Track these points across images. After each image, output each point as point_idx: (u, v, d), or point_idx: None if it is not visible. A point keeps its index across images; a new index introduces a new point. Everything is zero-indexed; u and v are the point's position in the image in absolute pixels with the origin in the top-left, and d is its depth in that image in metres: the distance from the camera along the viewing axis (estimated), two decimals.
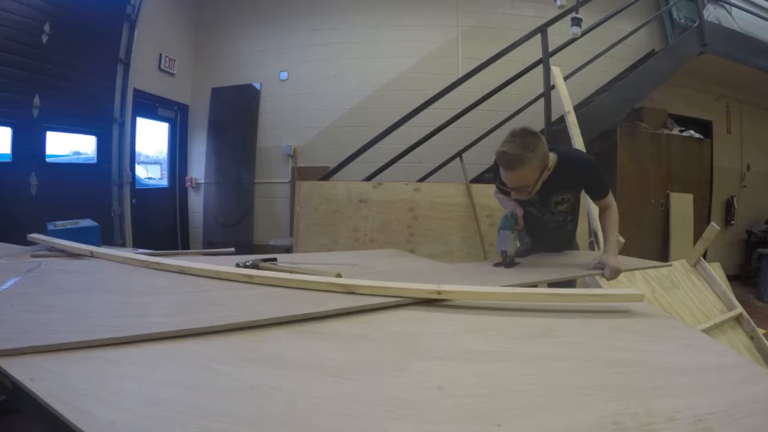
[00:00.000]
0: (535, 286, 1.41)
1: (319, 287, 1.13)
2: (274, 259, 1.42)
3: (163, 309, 0.99)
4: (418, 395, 0.68)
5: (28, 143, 3.39)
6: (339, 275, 1.22)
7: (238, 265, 1.30)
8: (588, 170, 1.70)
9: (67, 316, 0.92)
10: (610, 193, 1.74)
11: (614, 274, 1.56)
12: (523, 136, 1.51)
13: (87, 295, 1.09)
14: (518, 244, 1.68)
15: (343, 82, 4.86)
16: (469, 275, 1.60)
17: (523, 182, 1.55)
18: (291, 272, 1.24)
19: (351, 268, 1.56)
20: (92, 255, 1.46)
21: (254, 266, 1.32)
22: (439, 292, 1.09)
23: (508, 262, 1.66)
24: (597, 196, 1.73)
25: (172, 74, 4.87)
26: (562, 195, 1.73)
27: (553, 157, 1.63)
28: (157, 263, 1.31)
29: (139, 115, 4.54)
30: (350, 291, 1.11)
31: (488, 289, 1.13)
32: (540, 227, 1.85)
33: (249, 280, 1.18)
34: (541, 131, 3.81)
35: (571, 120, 2.88)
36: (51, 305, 0.99)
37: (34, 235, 1.69)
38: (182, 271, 1.26)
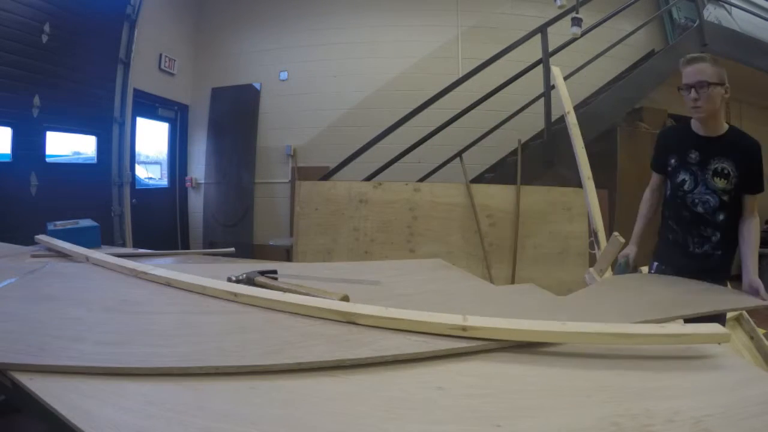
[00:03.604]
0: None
1: (313, 313, 0.93)
2: (274, 272, 1.23)
3: (104, 334, 0.85)
4: (418, 395, 0.68)
5: (28, 143, 3.39)
6: (346, 298, 1.02)
7: (230, 279, 1.15)
8: (757, 150, 1.58)
9: (19, 326, 0.86)
10: (758, 203, 1.60)
11: (754, 290, 1.45)
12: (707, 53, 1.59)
13: (54, 304, 1.00)
14: None
15: (343, 82, 4.86)
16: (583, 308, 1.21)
17: (702, 76, 1.52)
18: (285, 291, 1.06)
19: (371, 287, 1.27)
20: (87, 260, 1.41)
21: (249, 280, 1.15)
22: (464, 329, 0.83)
23: None
24: (753, 188, 1.57)
25: (172, 74, 4.86)
26: (723, 163, 1.56)
27: (725, 123, 1.60)
28: (145, 273, 1.19)
29: (139, 115, 4.53)
30: (350, 320, 0.89)
31: (536, 325, 0.84)
32: (684, 212, 1.65)
33: (234, 299, 1.02)
34: (541, 131, 3.83)
35: (571, 120, 2.87)
36: (17, 313, 0.93)
37: (40, 236, 1.70)
38: (168, 284, 1.13)
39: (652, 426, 0.59)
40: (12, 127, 3.28)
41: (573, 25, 3.57)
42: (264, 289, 1.06)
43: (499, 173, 3.91)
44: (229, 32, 5.12)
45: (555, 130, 3.57)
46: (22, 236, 1.74)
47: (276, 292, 1.04)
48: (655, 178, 1.81)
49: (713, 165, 1.58)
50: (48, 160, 3.60)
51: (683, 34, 4.30)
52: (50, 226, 1.95)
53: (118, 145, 4.21)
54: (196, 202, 5.28)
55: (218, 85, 5.11)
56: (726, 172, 1.56)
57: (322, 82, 4.90)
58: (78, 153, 4.04)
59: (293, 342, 0.82)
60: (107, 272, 1.29)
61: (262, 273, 1.19)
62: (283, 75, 4.98)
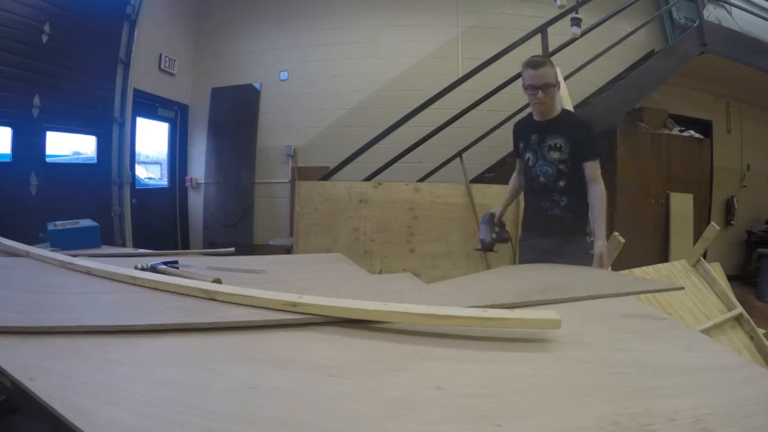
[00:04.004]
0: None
1: (186, 292, 1.11)
2: (176, 262, 1.43)
3: (25, 305, 1.03)
4: (418, 395, 0.68)
5: (28, 143, 3.39)
6: (218, 281, 1.19)
7: (136, 267, 1.31)
8: (585, 124, 1.97)
9: None
10: (599, 167, 1.87)
11: (599, 262, 1.74)
12: (540, 55, 1.93)
13: None
14: (494, 235, 2.08)
15: (343, 82, 4.86)
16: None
17: (547, 79, 1.84)
18: (171, 275, 1.26)
19: (255, 275, 1.45)
20: (28, 255, 1.53)
21: (152, 268, 1.34)
22: (295, 305, 0.97)
23: (486, 248, 2.09)
24: (587, 155, 1.85)
25: (172, 74, 4.87)
26: (556, 140, 1.88)
27: (559, 107, 1.96)
28: (72, 264, 1.37)
29: (139, 115, 4.54)
30: (211, 297, 1.07)
31: (369, 305, 0.96)
32: (533, 183, 1.98)
33: (133, 282, 1.20)
34: None
35: None
36: None
37: None
38: (88, 272, 1.32)
39: (652, 425, 0.59)
40: (12, 127, 3.28)
41: (573, 25, 3.57)
42: (156, 274, 1.26)
43: (499, 173, 3.91)
44: (229, 32, 5.13)
45: None
46: (22, 236, 1.74)
47: (164, 275, 1.24)
48: (517, 163, 2.15)
49: (548, 141, 1.90)
50: (48, 160, 3.60)
51: (683, 34, 4.30)
52: (50, 226, 1.95)
53: (118, 145, 4.21)
54: (196, 202, 5.28)
55: (218, 85, 5.11)
56: (558, 145, 1.88)
57: (322, 82, 4.90)
58: (78, 153, 4.04)
59: (159, 311, 1.01)
60: (43, 264, 1.44)
61: (166, 263, 1.41)
62: (283, 75, 4.98)
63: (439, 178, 3.80)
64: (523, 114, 3.80)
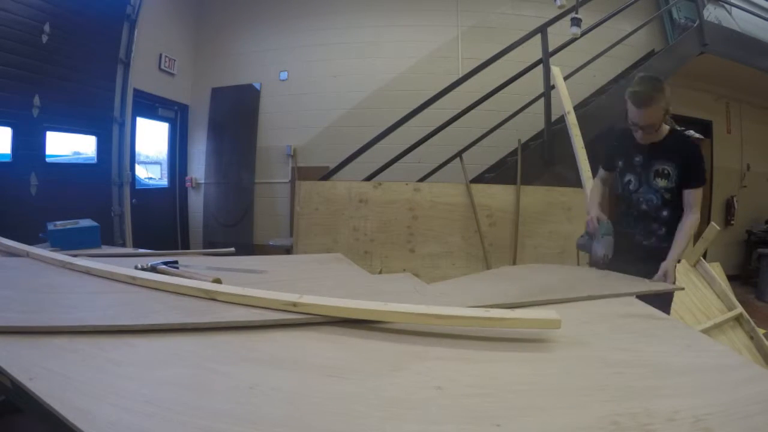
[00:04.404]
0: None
1: (186, 292, 1.11)
2: (176, 262, 1.44)
3: (27, 305, 1.04)
4: (418, 395, 0.68)
5: (28, 143, 3.39)
6: (218, 281, 1.20)
7: (136, 267, 1.32)
8: (695, 148, 1.73)
9: None
10: (701, 196, 1.70)
11: (662, 276, 1.61)
12: (652, 79, 1.67)
13: None
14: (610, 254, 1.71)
15: (343, 82, 4.86)
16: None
17: (651, 120, 1.65)
18: (172, 275, 1.26)
19: (256, 275, 1.46)
20: (28, 255, 1.54)
21: (152, 268, 1.35)
22: (295, 305, 0.98)
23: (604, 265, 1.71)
24: (691, 182, 1.69)
25: (172, 74, 4.86)
26: (664, 165, 1.72)
27: (666, 127, 1.74)
28: (72, 264, 1.37)
29: (139, 115, 4.53)
30: (212, 297, 1.07)
31: (369, 305, 0.96)
32: (631, 209, 1.80)
33: (133, 282, 1.20)
34: (541, 131, 3.83)
35: (571, 120, 2.87)
36: None
37: None
38: (88, 272, 1.32)
39: (652, 425, 0.59)
40: (12, 127, 3.28)
41: (573, 25, 3.57)
42: (156, 274, 1.26)
43: (499, 173, 3.91)
44: (229, 32, 5.12)
45: (555, 130, 3.57)
46: (22, 236, 1.74)
47: (164, 275, 1.24)
48: (602, 172, 1.98)
49: (655, 167, 1.73)
50: (48, 160, 3.59)
51: (683, 34, 4.29)
52: (50, 226, 1.95)
53: (118, 145, 4.21)
54: (196, 202, 5.28)
55: (218, 85, 5.11)
56: (666, 172, 1.71)
57: (322, 82, 4.90)
58: (78, 153, 4.04)
59: (159, 311, 1.00)
60: (43, 264, 1.45)
61: (166, 263, 1.41)
62: (283, 75, 4.98)
63: (439, 178, 3.80)
64: (524, 114, 3.84)
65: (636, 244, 1.79)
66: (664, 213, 1.74)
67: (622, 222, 1.85)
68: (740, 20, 4.67)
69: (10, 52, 3.18)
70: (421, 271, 3.10)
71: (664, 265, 1.64)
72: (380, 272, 3.09)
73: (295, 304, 0.98)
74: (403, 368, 0.77)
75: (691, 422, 0.60)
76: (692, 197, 1.69)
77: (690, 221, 1.69)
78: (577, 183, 2.81)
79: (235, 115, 5.10)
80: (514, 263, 3.30)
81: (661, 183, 1.72)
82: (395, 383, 0.72)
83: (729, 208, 5.48)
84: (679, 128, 1.81)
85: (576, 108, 3.30)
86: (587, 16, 3.69)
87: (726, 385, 0.71)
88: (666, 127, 1.75)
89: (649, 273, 1.67)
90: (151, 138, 5.07)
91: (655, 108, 1.63)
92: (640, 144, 1.76)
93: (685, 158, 1.70)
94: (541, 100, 3.63)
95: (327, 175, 3.78)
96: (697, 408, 0.63)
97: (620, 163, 1.83)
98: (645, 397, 0.67)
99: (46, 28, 3.40)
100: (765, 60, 4.47)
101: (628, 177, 1.81)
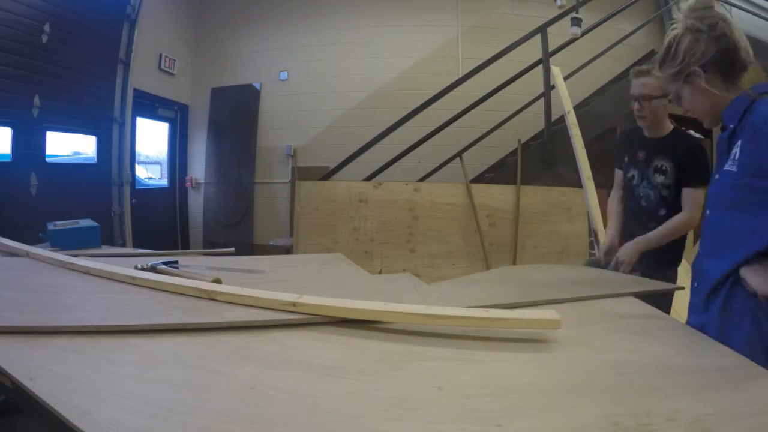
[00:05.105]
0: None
1: (186, 292, 1.11)
2: (175, 262, 1.44)
3: (26, 305, 1.03)
4: (418, 395, 0.68)
5: (28, 143, 3.39)
6: (218, 281, 1.19)
7: (136, 267, 1.32)
8: (695, 147, 1.73)
9: None
10: (702, 198, 1.65)
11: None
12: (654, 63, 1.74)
13: None
14: None
15: (343, 82, 4.86)
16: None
17: (645, 89, 1.70)
18: (171, 275, 1.25)
19: (254, 275, 1.45)
20: (27, 254, 1.54)
21: (152, 268, 1.35)
22: (294, 305, 0.97)
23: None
24: (690, 181, 1.68)
25: (172, 74, 4.87)
26: (663, 161, 1.74)
27: (669, 125, 1.78)
28: (71, 264, 1.37)
29: (139, 115, 4.54)
30: (211, 297, 1.07)
31: (369, 305, 0.96)
32: (634, 205, 1.83)
33: (132, 282, 1.20)
34: (541, 131, 3.83)
35: (571, 120, 2.87)
36: None
37: None
38: (87, 272, 1.32)
39: (652, 425, 0.59)
40: (12, 127, 3.28)
41: (573, 25, 3.57)
42: (156, 274, 1.26)
43: (499, 173, 3.91)
44: (229, 32, 5.13)
45: (555, 130, 3.57)
46: (23, 236, 1.74)
47: (163, 275, 1.24)
48: (618, 175, 1.95)
49: (655, 162, 1.76)
50: (48, 160, 3.60)
51: None
52: (50, 226, 1.95)
53: (118, 145, 4.21)
54: (196, 202, 5.28)
55: (218, 85, 5.12)
56: (664, 168, 1.73)
57: (322, 82, 4.90)
58: (78, 153, 4.05)
59: (159, 311, 1.00)
60: (43, 264, 1.45)
61: (166, 263, 1.41)
62: (283, 75, 4.99)
63: (439, 178, 3.80)
64: (524, 114, 3.84)
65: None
66: (662, 212, 1.74)
67: (627, 221, 1.88)
68: (740, 20, 4.67)
69: (10, 52, 3.18)
70: (421, 271, 3.10)
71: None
72: (380, 272, 3.09)
73: (294, 304, 0.97)
74: (403, 368, 0.77)
75: (691, 422, 0.60)
76: (690, 196, 1.67)
77: (682, 219, 1.67)
78: (577, 183, 2.81)
79: (235, 115, 5.10)
80: (514, 263, 3.29)
81: (659, 179, 1.74)
82: (395, 383, 0.72)
83: None
84: (682, 129, 1.82)
85: (576, 108, 3.30)
86: (587, 16, 3.69)
87: (726, 385, 0.71)
88: (669, 125, 1.78)
89: (643, 272, 1.64)
90: (151, 138, 5.07)
91: (649, 80, 1.70)
92: (646, 139, 1.80)
93: (685, 156, 1.71)
94: (541, 100, 3.63)
95: (327, 175, 3.78)
96: (697, 408, 0.63)
97: (626, 158, 1.88)
98: (645, 397, 0.67)
99: (46, 28, 3.40)
100: (765, 60, 4.46)
101: (632, 172, 1.85)
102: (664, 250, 1.70)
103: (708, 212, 1.15)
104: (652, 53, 4.77)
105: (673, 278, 1.77)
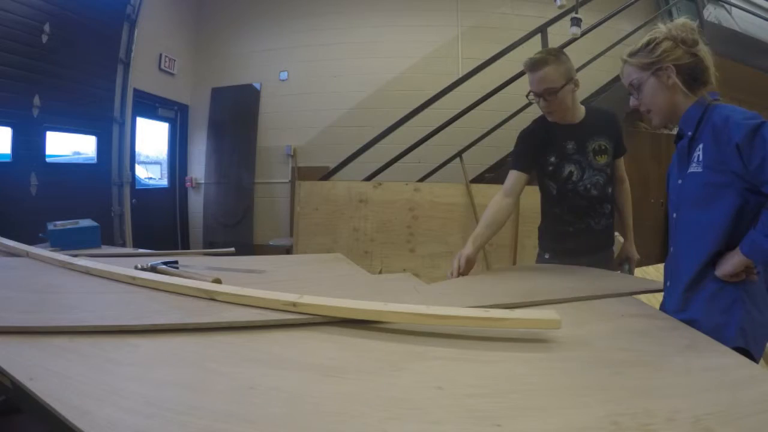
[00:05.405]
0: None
1: (186, 292, 1.11)
2: (175, 262, 1.44)
3: (28, 305, 1.04)
4: (418, 395, 0.68)
5: (28, 143, 3.39)
6: (218, 281, 1.19)
7: (136, 267, 1.32)
8: (615, 116, 1.69)
9: None
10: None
11: (633, 268, 1.66)
12: (547, 48, 1.69)
13: None
14: None
15: (343, 82, 4.86)
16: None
17: (546, 84, 1.54)
18: (172, 275, 1.25)
19: (255, 275, 1.44)
20: (28, 255, 1.54)
21: (152, 268, 1.35)
22: (294, 305, 0.97)
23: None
24: (621, 149, 1.70)
25: (172, 74, 4.87)
26: (598, 140, 1.63)
27: (581, 107, 1.66)
28: (71, 264, 1.37)
29: (139, 115, 4.54)
30: (211, 297, 1.07)
31: (369, 305, 0.96)
32: (579, 201, 1.66)
33: (132, 282, 1.20)
34: None
35: None
36: None
37: None
38: (87, 272, 1.32)
39: (652, 425, 0.59)
40: (12, 127, 3.28)
41: (573, 25, 3.57)
42: (156, 274, 1.25)
43: (499, 173, 3.91)
44: (229, 32, 5.13)
45: None
46: (23, 236, 1.74)
47: (163, 275, 1.24)
48: (514, 179, 1.62)
49: (591, 145, 1.62)
50: (48, 160, 3.60)
51: None
52: (50, 226, 1.95)
53: (118, 145, 4.21)
54: (196, 202, 5.28)
55: (218, 85, 5.12)
56: (604, 147, 1.63)
57: (322, 82, 4.90)
58: (78, 153, 4.05)
59: (159, 311, 1.00)
60: (43, 264, 1.45)
61: (166, 263, 1.41)
62: (283, 75, 4.99)
63: (439, 178, 3.80)
64: (524, 114, 3.83)
65: (591, 233, 1.68)
66: (609, 190, 1.68)
67: (568, 220, 1.69)
68: (740, 20, 4.67)
69: (10, 52, 3.18)
70: (421, 271, 3.10)
71: (633, 255, 1.69)
72: (380, 272, 3.09)
73: (294, 304, 0.97)
74: (403, 368, 0.77)
75: (691, 422, 0.60)
76: (622, 165, 1.71)
77: (628, 192, 1.71)
78: None
79: (235, 115, 5.10)
80: (514, 263, 3.29)
81: (602, 160, 1.63)
82: (395, 383, 0.72)
83: None
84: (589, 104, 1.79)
85: None
86: (587, 16, 3.69)
87: (726, 385, 0.71)
88: (582, 108, 1.66)
89: (604, 257, 1.68)
90: (151, 138, 5.07)
91: (550, 70, 1.53)
92: (567, 127, 1.62)
93: (615, 129, 1.67)
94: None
95: (327, 175, 3.78)
96: (697, 408, 0.63)
97: (553, 158, 1.64)
98: (645, 397, 0.67)
99: (46, 28, 3.40)
100: (765, 60, 4.47)
101: (568, 168, 1.63)
102: (609, 227, 1.72)
103: (674, 215, 1.20)
104: None
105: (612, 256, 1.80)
